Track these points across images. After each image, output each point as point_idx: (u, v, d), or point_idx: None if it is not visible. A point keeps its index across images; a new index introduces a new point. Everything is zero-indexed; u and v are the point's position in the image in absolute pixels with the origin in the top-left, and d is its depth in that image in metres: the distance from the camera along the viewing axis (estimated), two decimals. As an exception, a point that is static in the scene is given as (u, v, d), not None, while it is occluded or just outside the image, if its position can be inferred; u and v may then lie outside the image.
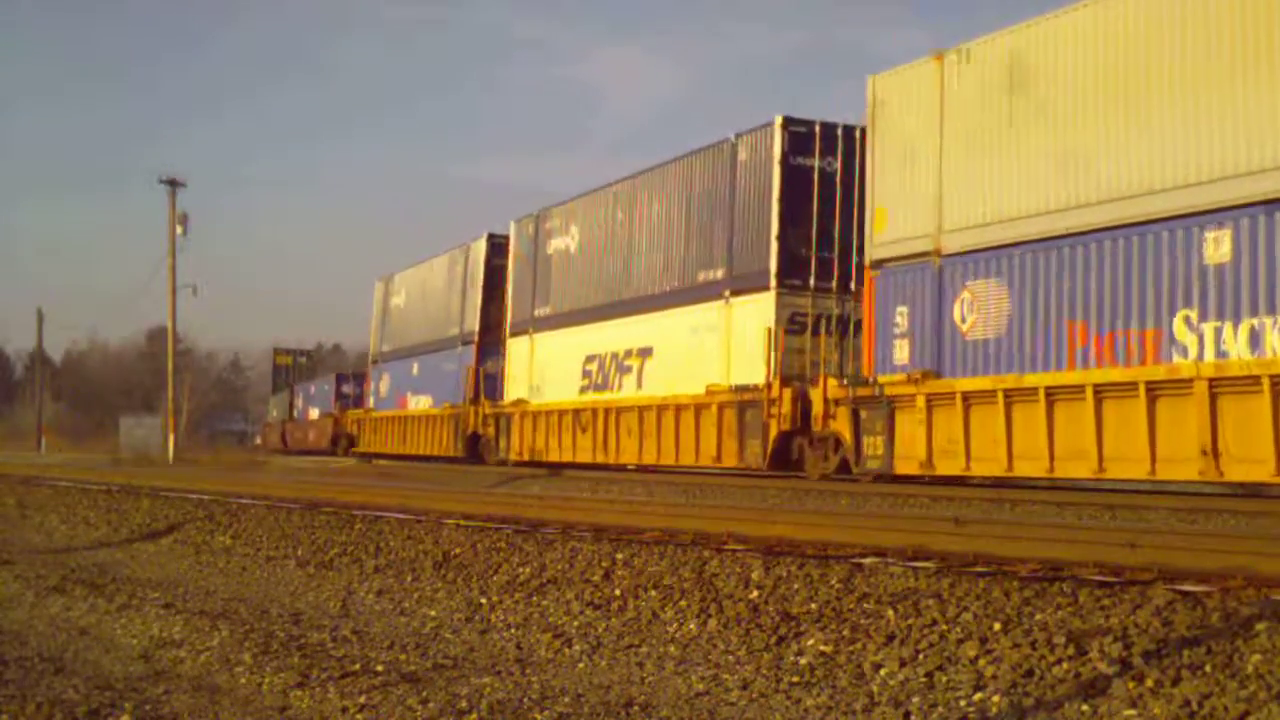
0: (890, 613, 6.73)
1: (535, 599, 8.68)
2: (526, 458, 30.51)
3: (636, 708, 5.96)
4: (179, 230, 48.16)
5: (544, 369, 30.82)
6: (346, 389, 53.11)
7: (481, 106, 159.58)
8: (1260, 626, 5.52)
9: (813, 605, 7.16)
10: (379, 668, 6.93)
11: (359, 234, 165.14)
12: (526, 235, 32.31)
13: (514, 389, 32.18)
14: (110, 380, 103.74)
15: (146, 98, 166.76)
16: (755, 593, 7.61)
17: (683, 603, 7.77)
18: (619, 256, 27.83)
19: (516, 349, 32.30)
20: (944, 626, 6.40)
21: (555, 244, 30.79)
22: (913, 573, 7.32)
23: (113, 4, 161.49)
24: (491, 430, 32.97)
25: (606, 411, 27.01)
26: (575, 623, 7.97)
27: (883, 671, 6.15)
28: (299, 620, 8.75)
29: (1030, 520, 13.23)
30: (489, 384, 33.61)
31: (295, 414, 61.38)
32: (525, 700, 6.11)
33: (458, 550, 10.51)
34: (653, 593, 8.09)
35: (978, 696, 5.65)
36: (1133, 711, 5.13)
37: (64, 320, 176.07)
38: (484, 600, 8.94)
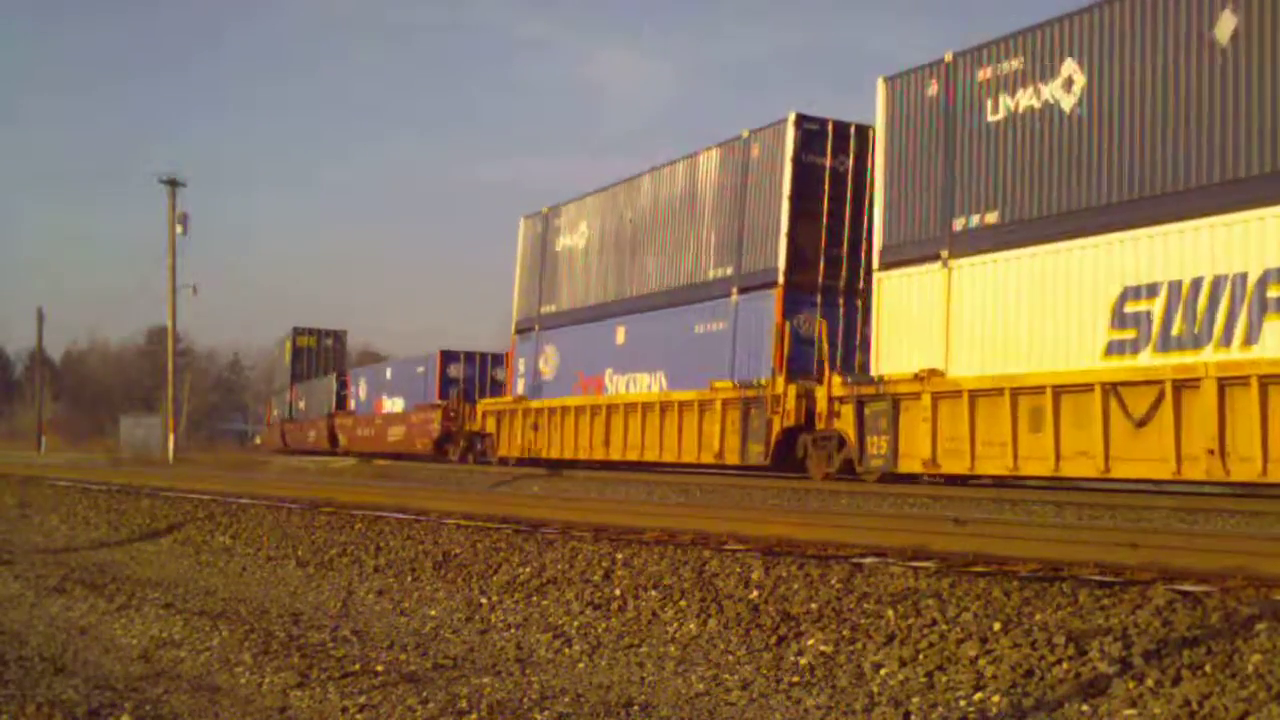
0: (890, 613, 6.73)
1: (535, 599, 8.68)
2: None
3: (636, 708, 5.96)
4: (179, 230, 48.16)
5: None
6: (455, 370, 43.28)
7: (482, 106, 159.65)
8: (1260, 626, 5.52)
9: (813, 605, 7.15)
10: (379, 668, 6.93)
11: (359, 234, 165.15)
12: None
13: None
14: (110, 380, 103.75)
15: (147, 98, 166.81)
16: (755, 593, 7.61)
17: (683, 603, 7.77)
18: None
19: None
20: (944, 626, 6.40)
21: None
22: (913, 573, 7.32)
23: (113, 4, 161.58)
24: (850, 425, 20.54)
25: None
26: (575, 623, 7.97)
27: (883, 671, 6.15)
28: (299, 620, 8.75)
29: (1030, 520, 13.25)
30: (798, 353, 22.55)
31: (352, 404, 51.91)
32: (525, 700, 6.11)
33: (458, 550, 10.51)
34: (653, 593, 8.09)
35: (978, 696, 5.65)
36: (1133, 711, 5.13)
37: (64, 320, 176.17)
38: (484, 600, 8.94)
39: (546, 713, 5.87)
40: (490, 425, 33.68)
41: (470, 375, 42.88)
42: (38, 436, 70.66)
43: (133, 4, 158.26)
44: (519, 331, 32.75)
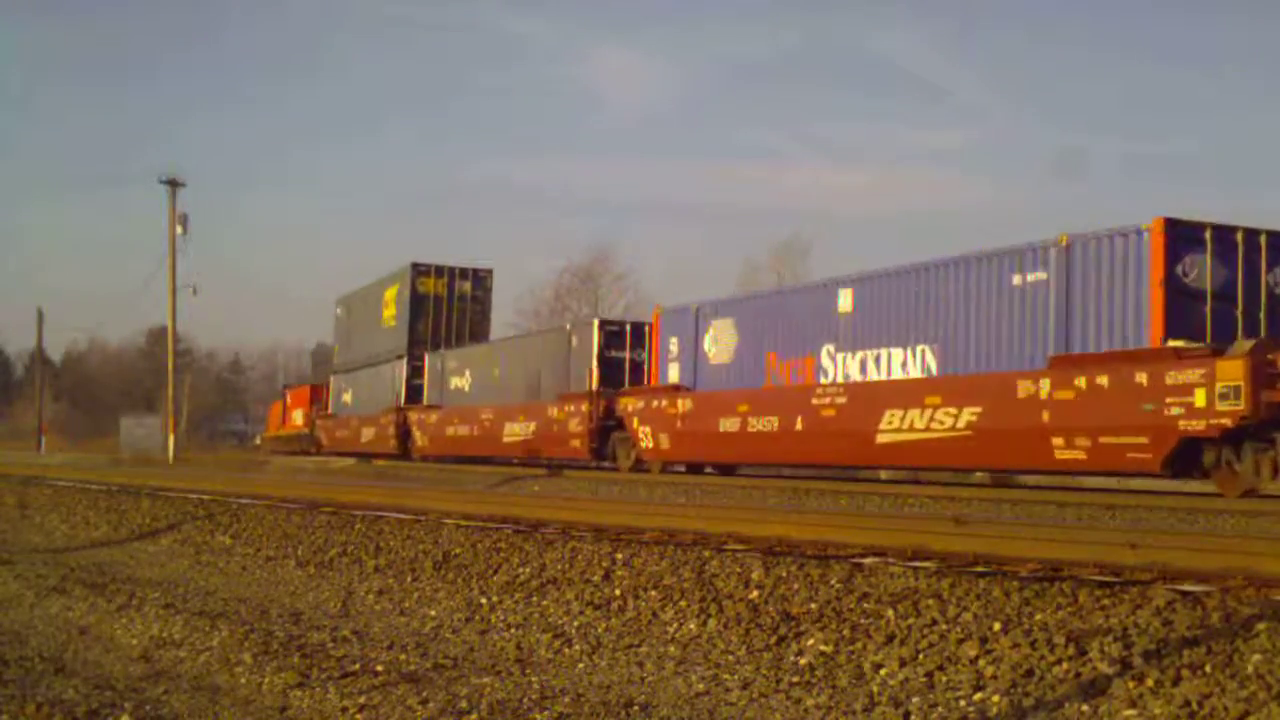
0: (890, 613, 6.73)
1: (535, 599, 8.68)
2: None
3: (636, 708, 5.96)
4: (179, 230, 48.16)
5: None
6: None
7: (482, 106, 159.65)
8: (1260, 626, 5.52)
9: (813, 605, 7.16)
10: (379, 668, 6.93)
11: (359, 234, 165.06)
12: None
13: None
14: (110, 380, 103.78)
15: (146, 98, 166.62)
16: (755, 593, 7.61)
17: (683, 603, 7.77)
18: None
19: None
20: (944, 626, 6.40)
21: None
22: (913, 573, 7.31)
23: (113, 3, 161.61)
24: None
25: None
26: (575, 623, 7.97)
27: (883, 671, 6.15)
28: (299, 620, 8.75)
29: (1030, 520, 13.25)
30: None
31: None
32: (525, 700, 6.11)
33: (457, 550, 10.51)
34: (653, 593, 8.09)
35: (978, 696, 5.66)
36: (1133, 711, 5.13)
37: (64, 320, 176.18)
38: (484, 600, 8.94)
39: (546, 713, 5.87)
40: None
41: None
42: (38, 436, 70.62)
43: (133, 3, 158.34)
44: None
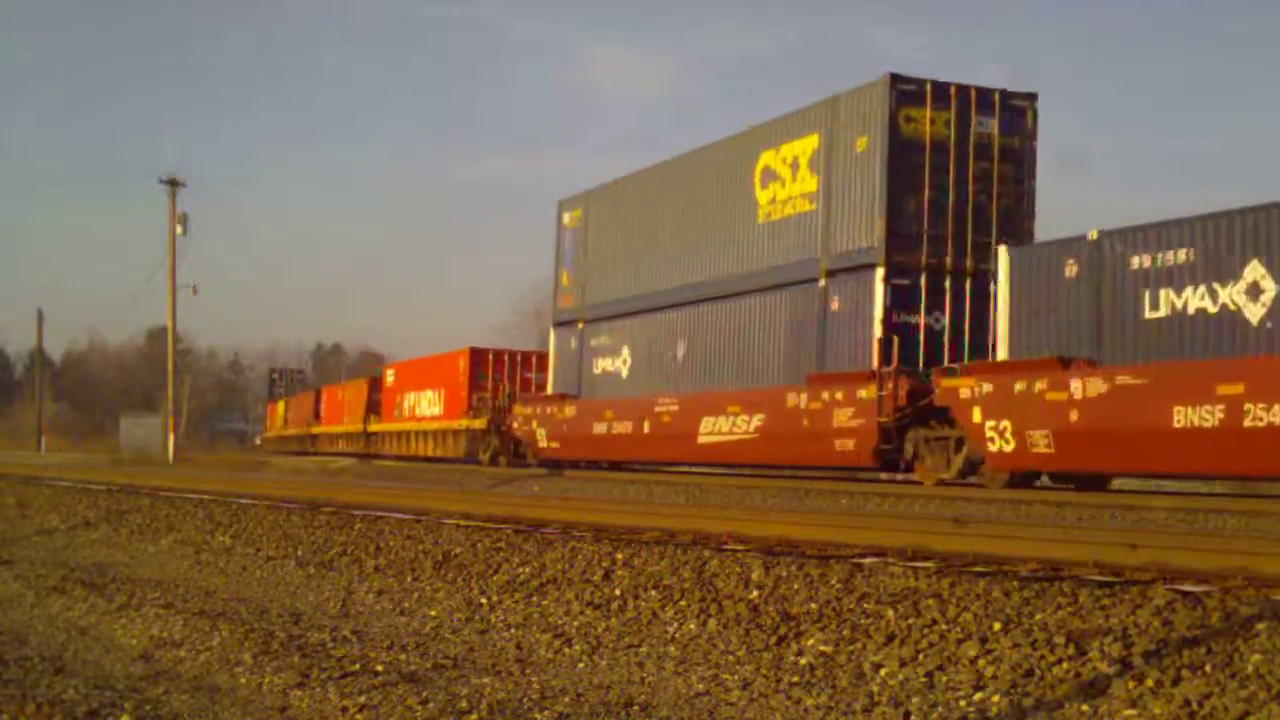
0: (890, 613, 6.73)
1: (535, 599, 8.68)
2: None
3: (636, 708, 5.96)
4: (179, 230, 48.14)
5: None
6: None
7: (483, 106, 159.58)
8: (1260, 626, 5.51)
9: (813, 605, 7.15)
10: (379, 668, 6.93)
11: (359, 234, 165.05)
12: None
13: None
14: (110, 380, 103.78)
15: (146, 97, 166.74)
16: (755, 593, 7.61)
17: (683, 603, 7.77)
18: None
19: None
20: (944, 626, 6.40)
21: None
22: (913, 573, 7.31)
23: (113, 3, 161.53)
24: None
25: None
26: (575, 623, 7.97)
27: (883, 671, 6.15)
28: (299, 620, 8.75)
29: (1030, 520, 13.25)
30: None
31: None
32: (525, 700, 6.11)
33: (458, 550, 10.51)
34: (653, 593, 8.09)
35: (978, 696, 5.65)
36: (1133, 711, 5.13)
37: (64, 320, 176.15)
38: (484, 600, 8.94)
39: (546, 713, 5.87)
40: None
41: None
42: (38, 436, 70.66)
43: (133, 3, 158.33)
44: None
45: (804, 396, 21.81)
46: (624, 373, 29.12)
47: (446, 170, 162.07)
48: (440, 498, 16.67)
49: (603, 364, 29.93)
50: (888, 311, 20.79)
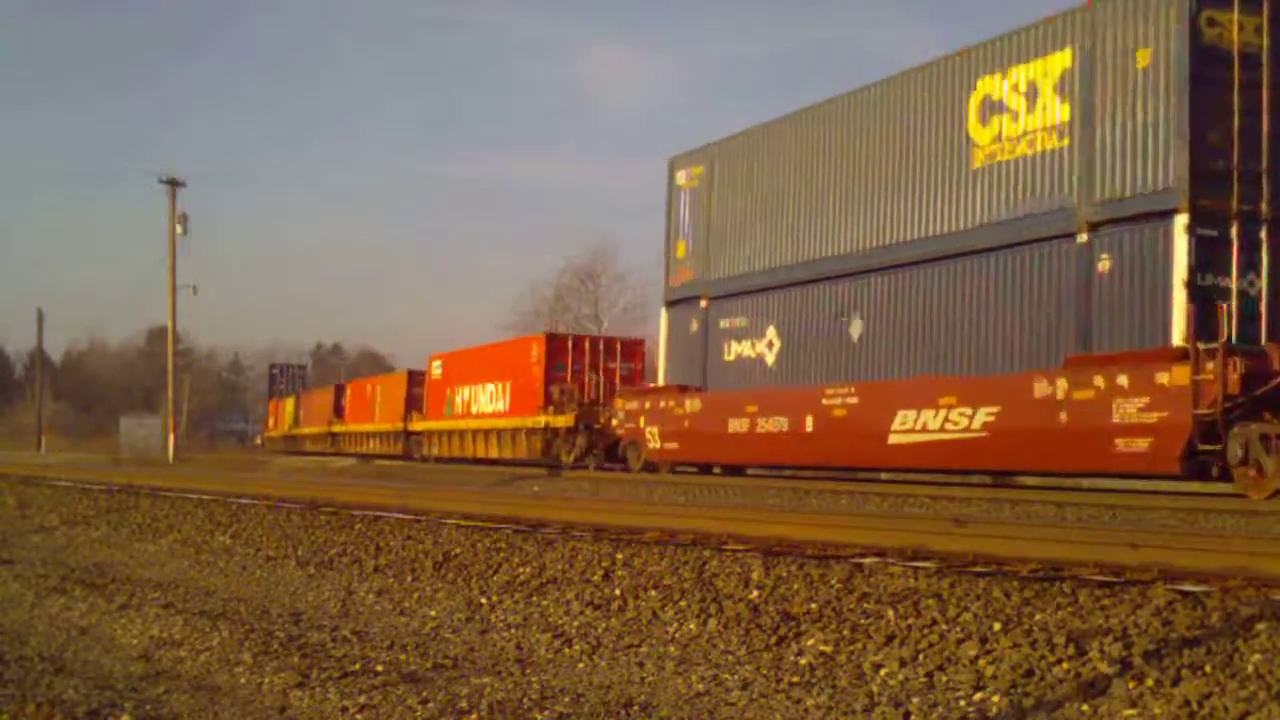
0: (890, 613, 6.73)
1: (535, 599, 8.68)
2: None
3: (636, 708, 5.95)
4: (179, 230, 48.15)
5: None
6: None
7: (483, 105, 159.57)
8: (1260, 626, 5.52)
9: (813, 605, 7.15)
10: (379, 668, 6.93)
11: (359, 234, 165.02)
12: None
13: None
14: (110, 380, 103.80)
15: (146, 97, 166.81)
16: (755, 593, 7.61)
17: (683, 603, 7.77)
18: None
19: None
20: (944, 626, 6.40)
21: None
22: (913, 573, 7.32)
23: (113, 3, 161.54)
24: None
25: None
26: (575, 623, 7.97)
27: (883, 671, 6.15)
28: (299, 620, 8.75)
29: (1030, 520, 13.25)
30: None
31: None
32: (525, 700, 6.10)
33: (457, 550, 10.51)
34: (653, 593, 8.09)
35: (978, 696, 5.65)
36: (1133, 711, 5.13)
37: (64, 320, 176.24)
38: (484, 600, 8.94)
39: (546, 713, 5.87)
40: None
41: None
42: (38, 436, 70.68)
43: (133, 3, 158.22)
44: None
45: (1062, 384, 17.19)
46: (769, 359, 24.35)
47: (447, 170, 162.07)
48: (440, 498, 16.68)
49: (738, 349, 25.25)
50: (1192, 272, 16.31)
